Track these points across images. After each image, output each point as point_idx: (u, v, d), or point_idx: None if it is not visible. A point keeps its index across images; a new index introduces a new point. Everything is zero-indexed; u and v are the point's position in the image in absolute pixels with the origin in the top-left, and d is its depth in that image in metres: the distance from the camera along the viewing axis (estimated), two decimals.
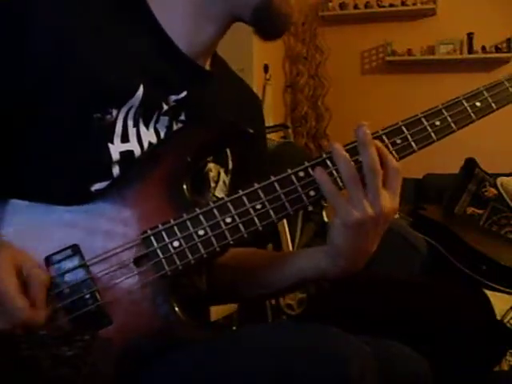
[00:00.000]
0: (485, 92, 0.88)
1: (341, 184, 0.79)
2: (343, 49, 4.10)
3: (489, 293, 1.97)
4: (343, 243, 0.80)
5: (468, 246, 2.36)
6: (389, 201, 0.78)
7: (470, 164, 2.96)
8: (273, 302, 2.22)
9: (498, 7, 3.76)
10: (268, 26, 0.89)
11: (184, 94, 0.88)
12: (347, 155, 0.78)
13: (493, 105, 0.88)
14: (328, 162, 0.80)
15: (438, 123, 0.85)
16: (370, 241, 0.80)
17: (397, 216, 2.60)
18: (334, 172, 0.79)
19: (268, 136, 2.97)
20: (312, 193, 0.80)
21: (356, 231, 0.78)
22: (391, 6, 4.00)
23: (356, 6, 4.09)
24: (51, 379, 0.62)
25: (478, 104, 0.87)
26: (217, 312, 1.84)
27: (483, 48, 3.81)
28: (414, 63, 4.01)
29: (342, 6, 4.11)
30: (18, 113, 0.78)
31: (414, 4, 3.95)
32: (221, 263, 0.95)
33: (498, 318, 1.81)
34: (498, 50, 3.79)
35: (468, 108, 0.87)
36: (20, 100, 0.77)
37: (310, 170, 0.80)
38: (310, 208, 0.81)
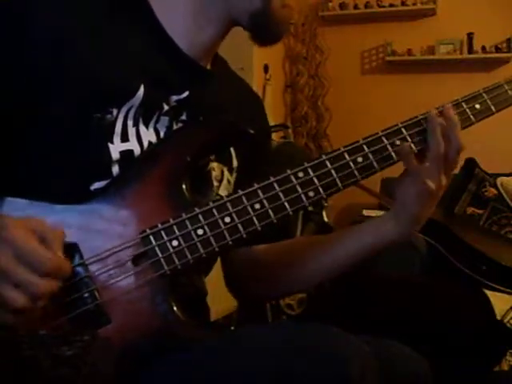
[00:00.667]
0: (484, 94, 0.89)
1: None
2: (343, 49, 4.10)
3: (489, 293, 1.97)
4: (416, 209, 0.85)
5: (468, 245, 2.36)
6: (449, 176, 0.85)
7: (470, 164, 2.96)
8: (273, 301, 2.22)
9: (498, 7, 3.76)
10: (264, 32, 0.89)
11: (186, 94, 0.88)
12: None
13: (492, 107, 0.89)
14: (327, 163, 0.81)
15: None
16: (432, 207, 0.87)
17: None
18: (333, 172, 0.80)
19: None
20: (311, 193, 0.80)
21: (429, 199, 0.85)
22: (391, 6, 4.00)
23: (356, 6, 4.08)
24: (51, 379, 0.62)
25: (477, 106, 0.88)
26: (217, 312, 1.84)
27: (483, 48, 3.81)
28: (414, 63, 4.01)
29: (342, 5, 4.11)
30: (18, 112, 0.78)
31: (414, 4, 3.95)
32: (286, 251, 0.97)
33: (498, 317, 1.81)
34: (497, 50, 3.79)
35: (467, 110, 0.87)
36: (20, 100, 0.77)
37: (309, 170, 0.80)
38: (310, 208, 0.81)
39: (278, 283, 0.99)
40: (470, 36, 3.81)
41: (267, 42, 0.91)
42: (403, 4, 3.97)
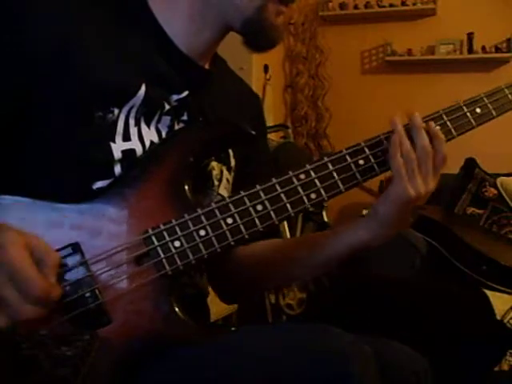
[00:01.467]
0: (485, 98, 0.89)
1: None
2: (343, 49, 4.10)
3: (489, 293, 1.97)
4: (389, 215, 0.85)
5: (468, 245, 2.36)
6: (433, 181, 0.85)
7: (470, 164, 2.96)
8: (273, 301, 2.22)
9: (498, 7, 3.76)
10: (257, 38, 0.89)
11: (185, 93, 0.88)
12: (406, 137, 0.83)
13: (493, 111, 0.89)
14: (329, 165, 0.81)
15: (438, 128, 0.85)
16: (408, 214, 0.87)
17: None
18: (335, 174, 0.81)
19: (268, 136, 2.98)
20: (313, 195, 0.80)
21: (404, 206, 0.84)
22: (391, 6, 3.99)
23: (356, 6, 4.08)
24: (51, 379, 0.62)
25: (478, 110, 0.88)
26: (217, 312, 1.84)
27: (483, 48, 3.81)
28: (414, 63, 4.01)
29: (342, 5, 4.11)
30: (19, 112, 0.78)
31: (414, 4, 3.94)
32: (271, 250, 0.98)
33: (498, 318, 1.81)
34: (497, 50, 3.79)
35: (468, 114, 0.87)
36: (21, 99, 0.77)
37: (311, 172, 0.81)
38: (311, 208, 0.81)
39: (261, 280, 1.01)
40: (469, 36, 3.81)
41: (260, 48, 0.91)
42: (403, 4, 3.97)
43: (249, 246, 0.98)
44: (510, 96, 0.91)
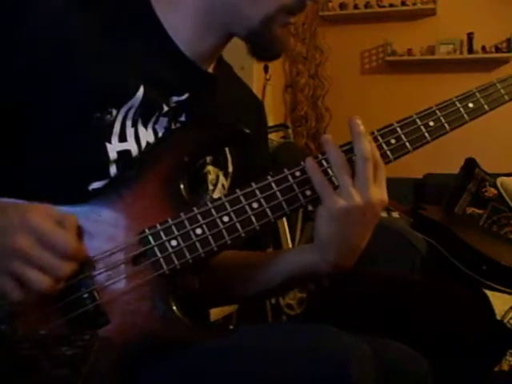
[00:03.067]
0: (477, 93, 0.90)
1: (336, 183, 0.80)
2: (343, 49, 4.10)
3: (489, 293, 1.97)
4: (329, 234, 0.80)
5: (468, 246, 2.36)
6: (378, 192, 0.79)
7: (470, 164, 2.96)
8: (273, 301, 2.22)
9: (498, 7, 3.76)
10: (261, 49, 0.88)
11: (186, 95, 0.88)
12: (335, 145, 0.80)
13: (485, 106, 0.90)
14: (324, 163, 0.81)
15: (431, 124, 0.86)
16: (358, 234, 0.80)
17: (397, 216, 2.60)
18: (330, 171, 0.80)
19: (268, 136, 2.98)
20: (308, 192, 0.81)
21: (342, 220, 0.78)
22: (391, 6, 3.99)
23: (356, 6, 4.08)
24: (51, 379, 0.62)
25: (470, 105, 0.89)
26: (216, 312, 1.84)
27: (483, 48, 3.81)
28: (414, 63, 4.01)
29: (342, 6, 4.11)
30: (17, 112, 0.78)
31: (414, 4, 3.94)
32: (215, 265, 0.95)
33: (498, 318, 1.81)
34: (498, 50, 3.79)
35: (461, 109, 0.88)
36: (19, 99, 0.77)
37: (306, 169, 0.81)
38: (310, 208, 0.81)
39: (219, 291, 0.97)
40: (469, 36, 3.81)
41: (264, 58, 0.92)
42: (403, 4, 3.97)
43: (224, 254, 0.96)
44: (502, 91, 0.91)
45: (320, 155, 0.82)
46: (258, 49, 0.88)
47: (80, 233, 0.74)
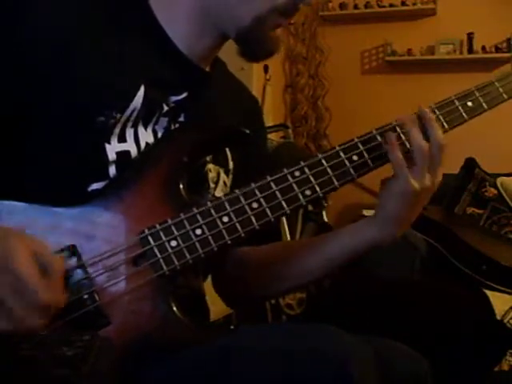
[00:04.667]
0: (476, 92, 0.90)
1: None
2: (343, 49, 4.10)
3: (489, 293, 1.97)
4: (396, 209, 0.85)
5: (468, 245, 2.36)
6: (439, 175, 0.85)
7: (470, 164, 2.96)
8: (273, 301, 2.22)
9: (498, 7, 3.76)
10: (250, 49, 0.87)
11: (184, 95, 0.88)
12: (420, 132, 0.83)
13: (484, 105, 0.90)
14: (323, 162, 0.81)
15: None
16: (417, 210, 0.87)
17: None
18: (329, 170, 0.81)
19: (268, 136, 2.98)
20: (308, 192, 0.81)
21: (411, 199, 0.83)
22: (391, 6, 3.99)
23: (356, 6, 4.08)
24: (51, 379, 0.62)
25: (469, 104, 0.89)
26: (217, 312, 1.84)
27: (483, 48, 3.80)
28: (414, 63, 4.01)
29: (342, 6, 4.10)
30: (16, 113, 0.77)
31: (414, 4, 3.94)
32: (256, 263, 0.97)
33: (498, 317, 1.81)
34: (498, 50, 3.78)
35: (460, 107, 0.88)
36: (19, 100, 0.77)
37: (305, 169, 0.81)
38: (310, 208, 0.81)
39: (265, 283, 0.99)
40: (469, 36, 3.80)
41: (253, 59, 0.90)
42: (403, 4, 3.97)
43: (251, 251, 0.98)
44: (500, 89, 0.92)
45: (319, 154, 0.82)
46: (246, 49, 0.87)
47: (67, 277, 0.72)
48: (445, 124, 0.87)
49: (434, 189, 0.85)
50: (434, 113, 0.87)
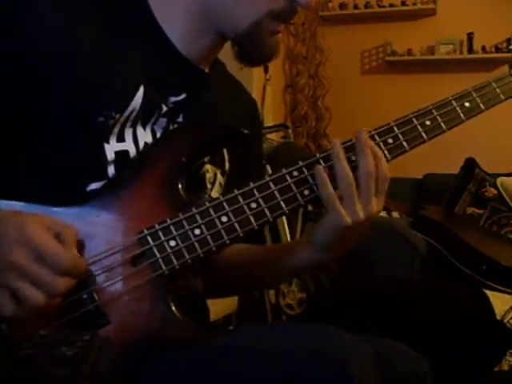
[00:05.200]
0: (473, 93, 0.90)
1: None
2: (343, 49, 4.10)
3: (489, 293, 1.97)
4: (330, 242, 0.85)
5: (468, 246, 2.36)
6: (377, 204, 0.81)
7: (470, 164, 2.96)
8: (273, 301, 2.22)
9: (498, 7, 3.76)
10: (244, 53, 0.87)
11: (183, 95, 0.88)
12: (344, 158, 0.80)
13: (481, 105, 0.90)
14: (321, 162, 0.81)
15: (428, 123, 0.87)
16: (354, 239, 0.86)
17: (397, 216, 2.60)
18: (328, 170, 0.81)
19: (268, 136, 2.98)
20: (306, 192, 0.81)
21: (344, 234, 0.82)
22: (391, 6, 3.99)
23: (356, 6, 4.08)
24: (51, 379, 0.62)
25: (466, 104, 0.89)
26: (216, 312, 1.84)
27: (483, 48, 3.80)
28: (414, 63, 4.01)
29: (342, 6, 4.10)
30: (16, 113, 0.77)
31: (414, 4, 3.94)
32: (223, 259, 0.97)
33: (498, 318, 1.81)
34: (498, 50, 3.78)
35: (457, 108, 0.88)
36: (19, 100, 0.77)
37: (304, 169, 0.81)
38: (310, 208, 0.82)
39: (242, 279, 1.04)
40: (469, 36, 3.80)
41: (248, 63, 0.90)
42: (403, 4, 3.97)
43: (233, 247, 0.99)
44: (497, 90, 0.92)
45: (318, 154, 0.82)
46: (243, 53, 0.87)
47: (80, 245, 0.73)
48: (442, 125, 0.87)
49: (371, 219, 0.81)
50: (432, 113, 0.87)
